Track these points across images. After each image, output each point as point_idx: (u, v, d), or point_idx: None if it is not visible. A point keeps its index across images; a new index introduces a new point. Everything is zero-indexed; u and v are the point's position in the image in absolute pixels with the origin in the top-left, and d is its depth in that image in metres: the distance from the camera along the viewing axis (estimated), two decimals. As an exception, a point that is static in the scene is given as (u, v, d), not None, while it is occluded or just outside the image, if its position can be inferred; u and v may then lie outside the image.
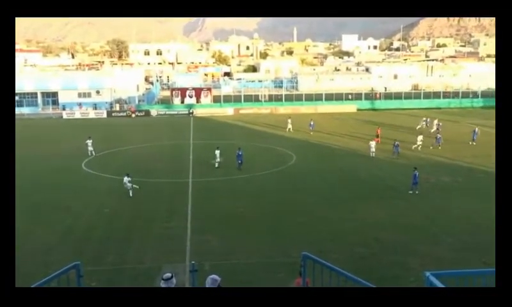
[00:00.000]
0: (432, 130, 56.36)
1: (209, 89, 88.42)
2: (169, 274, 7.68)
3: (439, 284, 8.50)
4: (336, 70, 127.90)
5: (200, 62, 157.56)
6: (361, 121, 68.23)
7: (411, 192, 33.83)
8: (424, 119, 61.69)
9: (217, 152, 41.42)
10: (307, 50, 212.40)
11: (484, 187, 35.23)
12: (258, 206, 31.64)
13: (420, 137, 48.64)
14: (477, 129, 53.25)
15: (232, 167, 40.77)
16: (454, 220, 28.81)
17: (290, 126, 59.79)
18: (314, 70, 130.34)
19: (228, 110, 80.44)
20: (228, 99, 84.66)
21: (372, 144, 45.74)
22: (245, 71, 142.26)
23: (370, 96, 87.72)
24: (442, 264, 20.60)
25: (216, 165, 40.86)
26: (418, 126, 59.33)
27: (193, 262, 8.75)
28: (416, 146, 47.98)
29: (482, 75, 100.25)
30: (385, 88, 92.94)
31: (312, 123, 58.77)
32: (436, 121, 58.74)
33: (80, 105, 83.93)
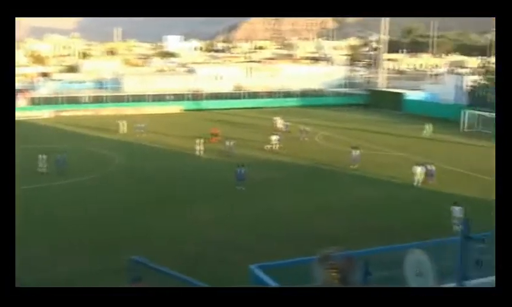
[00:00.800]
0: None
1: (25, 91, 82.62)
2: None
3: (264, 277, 8.92)
4: (161, 70, 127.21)
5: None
6: (187, 122, 68.69)
7: (238, 188, 34.97)
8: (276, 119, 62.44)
9: (43, 157, 39.29)
10: (131, 51, 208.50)
11: (306, 181, 37.72)
12: (83, 213, 30.44)
13: (274, 137, 49.53)
14: (302, 128, 57.21)
15: (52, 173, 38.66)
16: (278, 215, 30.37)
17: (123, 128, 57.96)
18: (138, 70, 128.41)
19: (47, 113, 75.87)
20: (46, 101, 79.87)
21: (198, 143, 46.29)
22: (64, 71, 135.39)
23: (196, 97, 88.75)
24: (268, 257, 21.50)
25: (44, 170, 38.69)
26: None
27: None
28: (270, 146, 48.87)
29: (298, 76, 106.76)
30: (212, 90, 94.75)
31: (139, 126, 57.48)
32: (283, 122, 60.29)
33: None
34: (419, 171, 36.84)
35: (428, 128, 58.06)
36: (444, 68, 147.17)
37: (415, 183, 36.50)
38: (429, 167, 37.61)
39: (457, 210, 26.95)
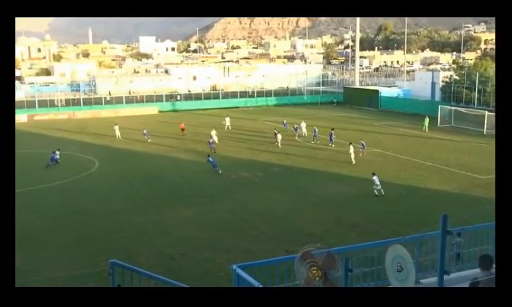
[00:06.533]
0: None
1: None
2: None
3: (246, 276, 8.96)
4: (136, 72, 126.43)
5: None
6: (164, 123, 68.30)
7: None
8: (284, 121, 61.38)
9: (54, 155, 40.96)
10: (104, 53, 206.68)
11: (281, 180, 37.86)
12: (59, 218, 30.12)
13: (279, 136, 49.84)
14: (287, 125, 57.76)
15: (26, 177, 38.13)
16: (256, 213, 30.45)
17: (118, 133, 55.91)
18: (113, 72, 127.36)
19: (21, 118, 74.70)
20: (20, 105, 78.65)
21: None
22: (38, 74, 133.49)
23: (171, 98, 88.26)
24: (248, 256, 21.62)
25: None
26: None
27: None
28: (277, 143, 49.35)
29: (274, 75, 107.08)
30: (189, 90, 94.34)
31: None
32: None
33: None
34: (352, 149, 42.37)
35: (426, 123, 58.45)
36: (417, 64, 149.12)
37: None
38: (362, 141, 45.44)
39: (375, 179, 33.05)
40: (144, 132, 54.71)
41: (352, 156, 41.93)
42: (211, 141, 48.19)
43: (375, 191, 32.89)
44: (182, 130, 57.72)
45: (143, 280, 10.20)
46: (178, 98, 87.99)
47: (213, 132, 51.00)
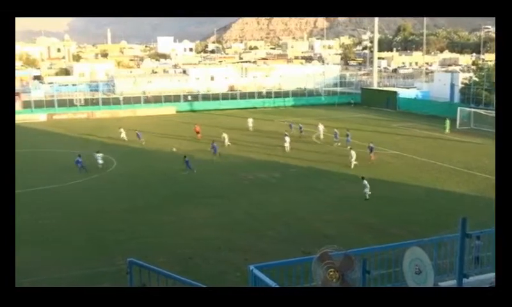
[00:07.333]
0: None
1: (18, 94, 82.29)
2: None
3: (263, 277, 8.94)
4: (154, 72, 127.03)
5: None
6: (182, 123, 68.52)
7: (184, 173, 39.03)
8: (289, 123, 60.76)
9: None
10: (122, 53, 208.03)
11: (298, 181, 37.79)
12: (76, 217, 30.36)
13: (287, 139, 48.68)
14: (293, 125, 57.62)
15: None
16: (272, 214, 30.41)
17: (124, 135, 55.28)
18: (131, 72, 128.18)
19: (40, 117, 75.59)
20: (39, 104, 79.56)
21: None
22: (57, 74, 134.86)
23: (189, 98, 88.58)
24: (265, 257, 21.62)
25: None
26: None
27: None
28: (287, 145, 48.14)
29: (291, 76, 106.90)
30: (208, 90, 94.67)
31: (139, 134, 55.11)
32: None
33: None
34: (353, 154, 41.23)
35: (447, 125, 57.91)
36: (436, 65, 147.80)
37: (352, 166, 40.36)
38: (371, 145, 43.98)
39: (365, 183, 32.50)
40: (138, 133, 54.42)
41: (353, 160, 40.73)
42: (215, 144, 46.32)
43: (366, 195, 32.46)
44: (197, 132, 55.78)
45: (161, 279, 10.22)
46: (189, 98, 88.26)
47: (225, 135, 50.68)
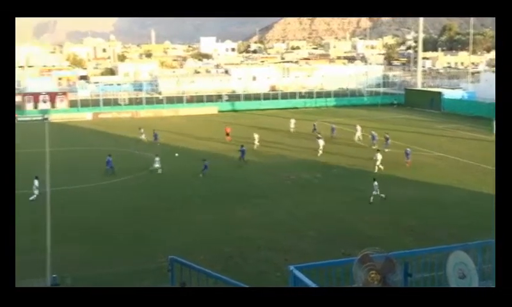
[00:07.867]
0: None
1: (65, 94, 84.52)
2: None
3: (303, 278, 8.93)
4: (196, 72, 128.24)
5: (54, 66, 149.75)
6: (224, 123, 68.83)
7: (201, 175, 38.60)
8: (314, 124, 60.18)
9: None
10: (166, 53, 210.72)
11: (339, 181, 37.53)
12: (120, 214, 30.93)
13: (321, 142, 47.81)
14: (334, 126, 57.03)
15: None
16: (313, 214, 30.30)
17: (144, 136, 54.51)
18: (174, 72, 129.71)
19: (86, 115, 77.42)
20: (85, 103, 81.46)
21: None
22: (102, 74, 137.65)
23: (231, 98, 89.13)
24: (305, 257, 21.57)
25: None
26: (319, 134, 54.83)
27: (54, 276, 8.43)
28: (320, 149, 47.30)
29: (333, 76, 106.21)
30: (245, 91, 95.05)
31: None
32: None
33: None
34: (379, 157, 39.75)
35: (493, 126, 56.51)
36: (483, 66, 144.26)
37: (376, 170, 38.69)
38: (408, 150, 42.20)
39: (376, 185, 32.24)
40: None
41: (378, 163, 39.32)
42: (244, 148, 44.56)
43: (371, 197, 31.93)
44: (227, 134, 54.52)
45: (202, 277, 10.31)
46: (226, 98, 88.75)
47: (256, 136, 50.40)
